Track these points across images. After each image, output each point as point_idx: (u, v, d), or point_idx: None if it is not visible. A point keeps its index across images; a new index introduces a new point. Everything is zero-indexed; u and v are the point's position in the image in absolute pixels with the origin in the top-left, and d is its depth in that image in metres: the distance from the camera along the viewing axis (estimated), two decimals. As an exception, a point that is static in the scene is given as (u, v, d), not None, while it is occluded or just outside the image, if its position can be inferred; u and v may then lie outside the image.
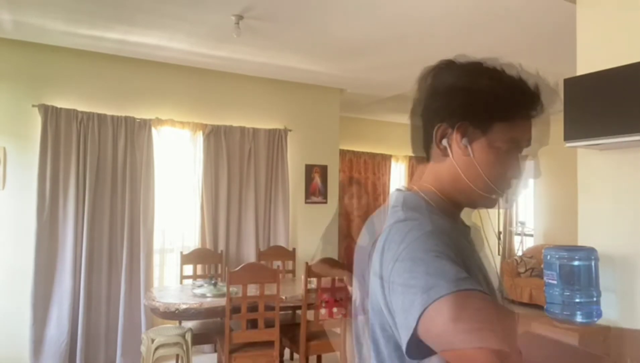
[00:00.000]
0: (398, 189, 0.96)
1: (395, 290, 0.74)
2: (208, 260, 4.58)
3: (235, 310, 3.28)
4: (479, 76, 0.86)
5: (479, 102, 0.85)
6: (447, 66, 0.90)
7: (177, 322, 3.93)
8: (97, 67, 4.34)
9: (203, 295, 3.55)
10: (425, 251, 0.74)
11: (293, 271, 4.75)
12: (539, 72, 0.88)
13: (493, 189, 0.88)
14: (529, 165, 1.00)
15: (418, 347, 0.69)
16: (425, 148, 0.92)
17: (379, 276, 0.79)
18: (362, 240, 0.95)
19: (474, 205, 0.93)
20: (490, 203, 0.92)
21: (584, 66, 2.58)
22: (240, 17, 3.48)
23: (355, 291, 0.93)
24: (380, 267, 0.79)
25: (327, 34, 3.87)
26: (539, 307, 6.24)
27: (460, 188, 0.89)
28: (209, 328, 3.91)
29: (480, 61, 0.89)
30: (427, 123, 0.90)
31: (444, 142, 0.87)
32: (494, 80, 0.86)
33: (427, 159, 0.93)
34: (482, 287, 0.72)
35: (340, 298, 3.60)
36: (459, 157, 0.87)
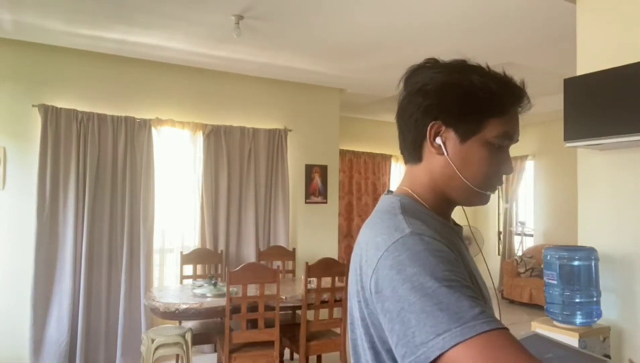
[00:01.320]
0: (390, 193, 0.94)
1: (404, 318, 0.69)
2: (208, 260, 4.58)
3: (235, 310, 3.29)
4: (469, 72, 0.86)
5: (473, 98, 0.84)
6: (434, 64, 0.89)
7: (177, 322, 3.93)
8: (97, 67, 4.34)
9: (203, 295, 3.56)
10: (439, 280, 0.69)
11: (293, 271, 4.75)
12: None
13: (489, 185, 0.88)
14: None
15: None
16: (415, 148, 0.90)
17: (381, 293, 0.74)
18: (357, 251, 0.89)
19: (468, 203, 0.91)
20: (485, 200, 0.90)
21: (584, 66, 2.58)
22: (240, 17, 3.48)
23: (351, 302, 0.87)
24: (384, 286, 0.74)
25: (327, 34, 3.88)
26: (539, 307, 6.24)
27: (455, 186, 0.88)
28: (209, 328, 3.91)
29: (462, 59, 0.89)
30: (417, 122, 0.87)
31: (438, 140, 0.86)
32: (484, 76, 0.85)
33: (418, 159, 0.90)
34: (493, 311, 0.70)
35: (340, 298, 3.61)
36: (454, 154, 0.86)
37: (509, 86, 0.86)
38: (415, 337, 0.66)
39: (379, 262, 0.76)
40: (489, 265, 8.25)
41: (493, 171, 0.87)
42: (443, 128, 0.86)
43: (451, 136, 0.86)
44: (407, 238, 0.75)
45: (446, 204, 0.91)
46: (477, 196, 0.89)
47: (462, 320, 0.65)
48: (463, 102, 0.84)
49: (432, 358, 0.64)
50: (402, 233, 0.77)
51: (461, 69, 0.87)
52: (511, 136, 0.87)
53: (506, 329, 0.66)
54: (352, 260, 0.88)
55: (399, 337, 0.69)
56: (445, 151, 0.86)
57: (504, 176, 0.91)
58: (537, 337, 1.12)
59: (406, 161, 0.94)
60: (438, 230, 0.81)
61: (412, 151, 0.91)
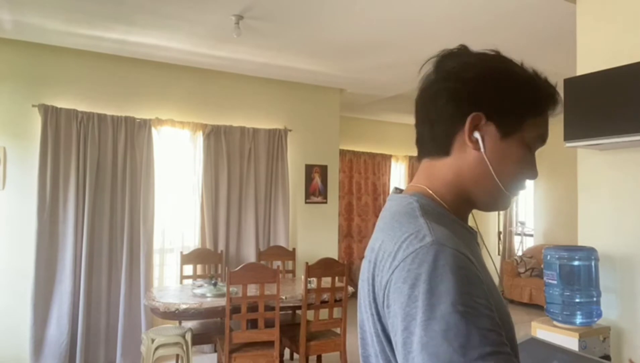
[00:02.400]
0: (398, 191, 0.84)
1: (406, 339, 0.63)
2: (208, 260, 4.58)
3: (235, 310, 3.29)
4: (512, 65, 0.79)
5: (519, 92, 0.77)
6: (469, 52, 0.82)
7: (177, 322, 3.93)
8: (97, 67, 4.34)
9: (203, 295, 3.56)
10: (454, 304, 0.61)
11: (293, 271, 4.75)
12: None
13: (516, 188, 0.80)
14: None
15: None
16: (445, 140, 0.79)
17: (390, 309, 0.68)
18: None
19: (491, 206, 0.83)
20: (507, 204, 0.83)
21: (584, 66, 2.58)
22: (240, 17, 3.48)
23: (362, 315, 0.79)
24: (394, 300, 0.67)
25: (327, 34, 3.87)
26: (539, 307, 6.24)
27: (485, 187, 0.79)
28: (209, 328, 3.91)
29: (497, 50, 0.83)
30: (452, 111, 0.77)
31: (476, 134, 0.76)
32: (527, 71, 0.78)
33: (444, 153, 0.79)
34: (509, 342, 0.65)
35: (340, 298, 3.61)
36: (492, 152, 0.77)
37: (548, 87, 0.80)
38: (415, 361, 0.61)
39: (394, 274, 0.67)
40: (489, 265, 8.30)
41: (524, 174, 0.80)
42: (483, 121, 0.76)
43: (491, 130, 0.77)
44: (427, 248, 0.66)
45: (467, 206, 0.82)
46: (503, 200, 0.81)
47: (466, 357, 0.58)
48: (509, 94, 0.77)
49: None
50: (422, 242, 0.67)
51: (502, 59, 0.80)
52: (544, 139, 0.81)
53: None
54: (364, 268, 0.78)
55: (399, 359, 0.64)
56: (482, 146, 0.76)
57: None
58: (534, 341, 1.11)
59: (425, 155, 0.83)
60: (460, 236, 0.73)
61: (440, 143, 0.80)
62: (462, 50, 0.83)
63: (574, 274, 2.35)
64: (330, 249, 5.45)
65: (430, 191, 0.80)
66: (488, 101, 0.77)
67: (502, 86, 0.77)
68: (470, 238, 0.81)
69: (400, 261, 0.67)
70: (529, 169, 0.80)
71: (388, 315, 0.68)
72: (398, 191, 0.86)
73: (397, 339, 0.65)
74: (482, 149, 0.77)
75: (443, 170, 0.80)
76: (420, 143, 0.84)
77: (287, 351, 4.04)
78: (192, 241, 4.72)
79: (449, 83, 0.79)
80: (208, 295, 3.55)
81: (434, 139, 0.80)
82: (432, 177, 0.81)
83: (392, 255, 0.69)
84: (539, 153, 0.82)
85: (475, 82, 0.77)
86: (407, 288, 0.64)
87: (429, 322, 0.61)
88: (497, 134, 0.77)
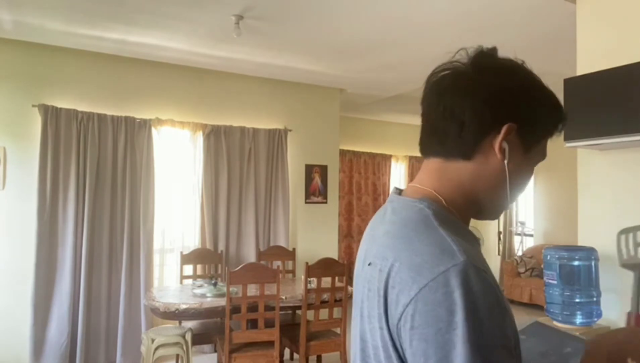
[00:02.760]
0: (415, 197, 0.77)
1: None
2: (208, 260, 4.58)
3: (235, 310, 3.29)
4: (541, 82, 0.79)
5: (549, 112, 0.78)
6: (504, 57, 0.80)
7: (177, 322, 3.93)
8: (97, 67, 4.34)
9: (203, 295, 3.55)
10: (494, 339, 0.62)
11: (293, 271, 4.75)
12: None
13: (516, 198, 0.82)
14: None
15: None
16: (472, 141, 0.75)
17: (416, 330, 0.64)
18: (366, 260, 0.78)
19: (492, 215, 0.83)
20: (499, 215, 0.85)
21: (584, 66, 2.58)
22: (240, 17, 3.48)
23: (366, 326, 0.75)
24: (425, 323, 0.64)
25: (327, 34, 3.87)
26: (539, 307, 6.24)
27: (495, 196, 0.78)
28: (209, 328, 3.91)
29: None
30: (490, 113, 0.74)
31: (504, 144, 0.74)
32: (551, 91, 0.80)
33: (466, 156, 0.76)
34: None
35: (340, 298, 3.61)
36: (513, 164, 0.76)
37: (563, 109, 0.81)
38: None
39: (421, 292, 0.64)
40: (489, 265, 8.32)
41: (525, 187, 0.81)
42: (514, 132, 0.75)
43: (517, 143, 0.76)
44: (461, 270, 0.63)
45: (473, 213, 0.81)
46: (502, 210, 0.83)
47: None
48: (541, 113, 0.77)
49: None
50: (454, 261, 0.64)
51: (534, 76, 0.79)
52: (544, 157, 0.82)
53: None
54: (373, 277, 0.72)
55: None
56: (506, 156, 0.75)
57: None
58: (538, 326, 1.12)
59: (440, 154, 0.78)
60: (472, 246, 0.71)
61: (465, 144, 0.75)
62: (496, 51, 0.80)
63: (574, 274, 2.35)
64: (330, 249, 5.45)
65: (439, 196, 0.77)
66: (524, 114, 0.75)
67: (538, 103, 0.77)
68: (477, 246, 0.78)
69: (430, 280, 0.64)
70: (526, 185, 0.81)
71: (411, 337, 0.64)
72: (398, 191, 0.83)
73: (428, 359, 0.62)
74: (505, 159, 0.75)
75: (460, 174, 0.77)
76: (436, 139, 0.78)
77: (287, 351, 4.04)
78: (192, 241, 4.72)
79: (493, 83, 0.75)
80: (208, 295, 3.55)
81: (460, 140, 0.75)
82: (444, 179, 0.78)
83: (417, 271, 0.65)
84: None
85: (519, 90, 0.76)
86: (445, 314, 0.62)
87: (473, 355, 0.60)
88: (521, 148, 0.76)
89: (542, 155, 0.80)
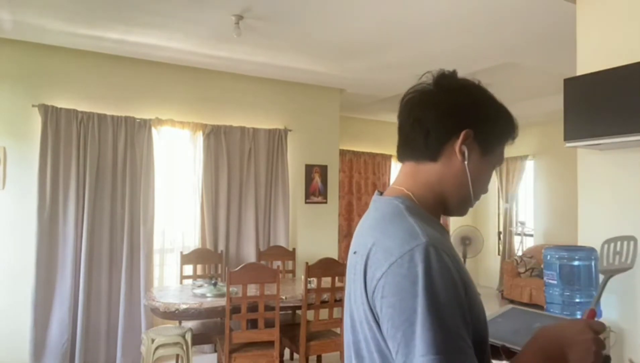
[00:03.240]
0: (391, 195, 0.92)
1: (406, 330, 0.74)
2: (208, 260, 4.58)
3: (235, 310, 3.29)
4: (493, 98, 0.95)
5: (502, 121, 0.94)
6: (462, 77, 0.95)
7: (177, 322, 3.93)
8: (97, 67, 4.34)
9: (203, 295, 3.55)
10: (445, 302, 0.75)
11: (293, 271, 4.75)
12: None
13: (477, 198, 0.95)
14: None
15: None
16: (437, 146, 0.90)
17: (386, 299, 0.78)
18: (356, 251, 0.90)
19: (458, 212, 0.96)
20: (466, 212, 0.98)
21: (584, 66, 2.58)
22: (240, 17, 3.48)
23: (352, 304, 0.88)
24: (392, 292, 0.77)
25: (327, 34, 3.87)
26: (539, 307, 6.24)
27: (459, 194, 0.93)
28: (209, 328, 3.91)
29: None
30: (451, 121, 0.90)
31: (464, 147, 0.89)
32: (500, 103, 0.96)
33: (432, 158, 0.91)
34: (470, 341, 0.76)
35: (340, 298, 3.61)
36: (473, 165, 0.91)
37: (514, 121, 0.96)
38: (416, 348, 0.72)
39: (391, 268, 0.77)
40: (489, 265, 8.24)
41: (485, 188, 0.96)
42: (471, 138, 0.90)
43: (475, 148, 0.91)
44: (423, 248, 0.77)
45: (441, 208, 0.94)
46: (467, 206, 0.96)
47: (447, 343, 0.72)
48: (494, 122, 0.93)
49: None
50: (417, 241, 0.78)
51: (487, 91, 0.95)
52: (501, 163, 0.98)
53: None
54: (357, 263, 0.87)
55: (400, 345, 0.75)
56: (466, 158, 0.90)
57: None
58: (515, 310, 1.19)
59: (411, 158, 0.94)
60: (440, 234, 0.84)
61: (432, 150, 0.91)
62: (455, 73, 0.95)
63: (574, 274, 2.35)
64: (330, 249, 5.45)
65: (410, 194, 0.91)
66: (479, 122, 0.91)
67: (492, 113, 0.93)
68: (446, 235, 0.92)
69: (398, 257, 0.77)
70: (487, 185, 0.97)
71: (382, 304, 0.78)
72: (380, 192, 0.97)
73: (394, 327, 0.76)
74: (465, 161, 0.90)
75: (428, 174, 0.92)
76: (408, 146, 0.95)
77: (287, 351, 4.04)
78: (192, 241, 4.72)
79: (451, 98, 0.91)
80: (208, 295, 3.55)
81: (427, 145, 0.91)
82: (416, 179, 0.93)
83: (389, 250, 0.79)
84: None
85: (473, 103, 0.92)
86: (408, 284, 0.75)
87: (429, 316, 0.72)
88: (479, 151, 0.91)
89: (500, 160, 0.96)
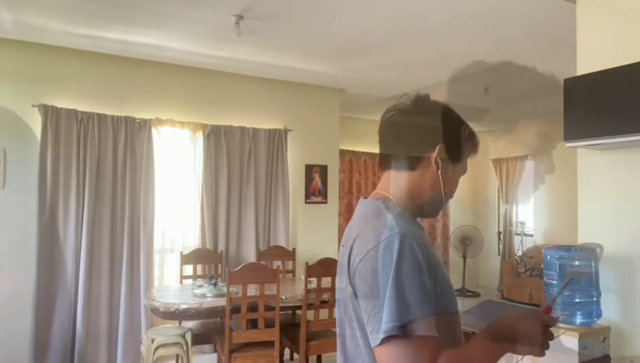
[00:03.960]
0: (374, 198, 1.11)
1: (375, 303, 0.93)
2: (208, 260, 4.58)
3: (235, 310, 3.29)
4: (459, 117, 1.15)
5: (467, 137, 1.13)
6: (435, 101, 1.13)
7: (177, 322, 3.93)
8: (97, 67, 4.34)
9: (203, 295, 3.55)
10: (409, 280, 0.92)
11: (293, 271, 4.75)
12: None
13: (448, 200, 1.13)
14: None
15: None
16: (415, 158, 1.08)
17: (364, 279, 0.97)
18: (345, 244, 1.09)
19: (431, 213, 1.14)
20: (438, 213, 1.16)
21: (584, 66, 2.58)
22: (240, 17, 3.48)
23: (341, 283, 1.08)
24: (368, 273, 0.96)
25: (327, 34, 3.87)
26: (539, 307, 6.23)
27: (433, 198, 1.09)
28: (209, 328, 3.91)
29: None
30: (428, 138, 1.08)
31: (438, 159, 1.07)
32: (464, 122, 1.15)
33: (411, 168, 1.09)
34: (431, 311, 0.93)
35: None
36: (444, 172, 1.08)
37: (476, 137, 1.16)
38: (382, 318, 0.90)
39: (369, 252, 0.96)
40: (489, 265, 8.22)
41: (453, 192, 1.14)
42: (444, 151, 1.08)
43: (446, 159, 1.09)
44: (395, 237, 0.94)
45: (417, 210, 1.11)
46: (439, 209, 1.14)
47: (410, 309, 0.90)
48: (461, 138, 1.12)
49: (389, 334, 0.89)
50: (391, 232, 0.95)
51: (459, 117, 1.14)
52: (464, 173, 1.15)
53: (430, 338, 0.90)
54: (342, 253, 1.08)
55: (370, 316, 0.94)
56: (439, 168, 1.08)
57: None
58: (490, 302, 1.27)
59: (392, 167, 1.11)
60: (415, 229, 1.02)
61: (411, 161, 1.09)
62: (429, 97, 1.13)
63: (574, 274, 2.35)
64: (330, 249, 5.45)
65: (390, 196, 1.09)
66: (450, 138, 1.09)
67: (459, 131, 1.12)
68: (422, 230, 1.08)
69: (375, 244, 0.95)
70: (455, 190, 1.15)
71: (359, 284, 0.98)
72: (365, 197, 1.14)
73: (366, 302, 0.95)
74: (439, 170, 1.07)
75: (406, 181, 1.09)
76: (390, 157, 1.12)
77: (287, 351, 4.04)
78: (192, 241, 4.72)
79: (428, 118, 1.09)
80: (208, 295, 3.55)
81: (407, 157, 1.09)
82: (396, 185, 1.10)
83: (368, 239, 0.98)
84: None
85: (446, 122, 1.10)
86: (381, 266, 0.93)
87: (394, 292, 0.90)
88: (450, 162, 1.10)
89: (464, 169, 1.14)
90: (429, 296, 0.93)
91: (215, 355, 4.22)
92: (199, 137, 4.74)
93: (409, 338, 0.89)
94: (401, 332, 0.89)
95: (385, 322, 0.89)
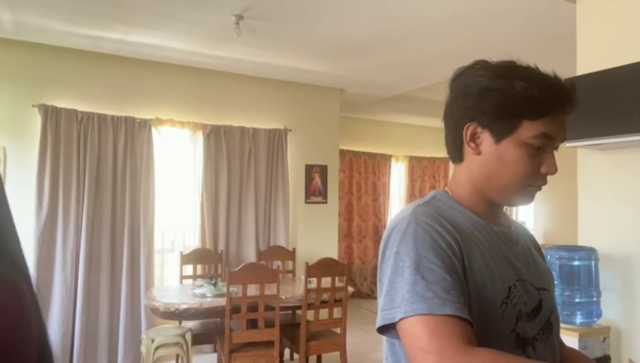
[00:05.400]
0: (436, 191, 1.04)
1: (384, 284, 0.87)
2: (208, 260, 4.57)
3: (235, 310, 3.28)
4: (513, 78, 0.87)
5: (510, 103, 0.87)
6: (482, 66, 0.92)
7: (177, 322, 3.92)
8: (97, 67, 4.34)
9: (203, 295, 3.55)
10: (411, 261, 0.84)
11: (293, 271, 4.74)
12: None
13: (528, 185, 0.91)
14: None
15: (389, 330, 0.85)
16: (456, 148, 0.96)
17: (380, 266, 0.91)
18: None
19: (509, 202, 0.96)
20: (527, 199, 0.94)
21: (584, 66, 2.58)
22: (240, 17, 3.48)
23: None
24: (382, 259, 0.91)
25: (327, 34, 3.87)
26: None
27: (494, 186, 0.92)
28: (209, 328, 3.91)
29: (514, 60, 0.93)
30: (457, 123, 0.93)
31: (476, 141, 0.92)
32: (525, 79, 0.87)
33: (459, 159, 0.96)
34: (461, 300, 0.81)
35: (340, 298, 3.61)
36: (490, 155, 0.90)
37: (554, 90, 0.89)
38: (394, 301, 0.82)
39: (390, 236, 0.90)
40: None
41: (531, 171, 0.90)
42: (479, 130, 0.91)
43: (487, 137, 0.90)
44: (404, 221, 0.88)
45: (486, 203, 0.96)
46: (517, 196, 0.93)
47: (409, 300, 0.80)
48: (499, 106, 0.88)
49: (396, 319, 0.80)
50: (408, 219, 0.88)
51: (506, 73, 0.89)
52: (551, 136, 0.89)
53: (451, 317, 0.77)
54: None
55: (381, 296, 0.87)
56: (480, 151, 0.91)
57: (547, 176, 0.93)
58: None
59: (451, 160, 1.01)
60: (454, 222, 0.90)
61: (454, 151, 0.97)
62: (478, 65, 0.93)
63: (574, 274, 2.35)
64: (330, 249, 5.45)
65: (448, 190, 0.99)
66: (481, 112, 0.90)
67: (494, 99, 0.88)
68: (480, 229, 0.93)
69: (390, 232, 0.90)
70: (536, 165, 0.90)
71: (381, 262, 0.90)
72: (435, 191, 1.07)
73: (382, 284, 0.88)
74: (481, 154, 0.92)
75: (461, 174, 0.97)
76: (447, 151, 1.01)
77: (287, 351, 4.04)
78: (192, 241, 4.72)
79: (456, 99, 0.94)
80: (208, 295, 3.55)
81: (449, 147, 0.98)
82: (454, 179, 0.99)
83: (387, 228, 0.94)
84: None
85: (473, 96, 0.90)
86: (384, 250, 0.89)
87: (394, 275, 0.84)
88: (492, 139, 0.90)
89: (536, 135, 0.88)
90: (452, 276, 0.82)
91: (215, 355, 4.22)
92: (199, 137, 4.74)
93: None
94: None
95: (397, 305, 0.83)
